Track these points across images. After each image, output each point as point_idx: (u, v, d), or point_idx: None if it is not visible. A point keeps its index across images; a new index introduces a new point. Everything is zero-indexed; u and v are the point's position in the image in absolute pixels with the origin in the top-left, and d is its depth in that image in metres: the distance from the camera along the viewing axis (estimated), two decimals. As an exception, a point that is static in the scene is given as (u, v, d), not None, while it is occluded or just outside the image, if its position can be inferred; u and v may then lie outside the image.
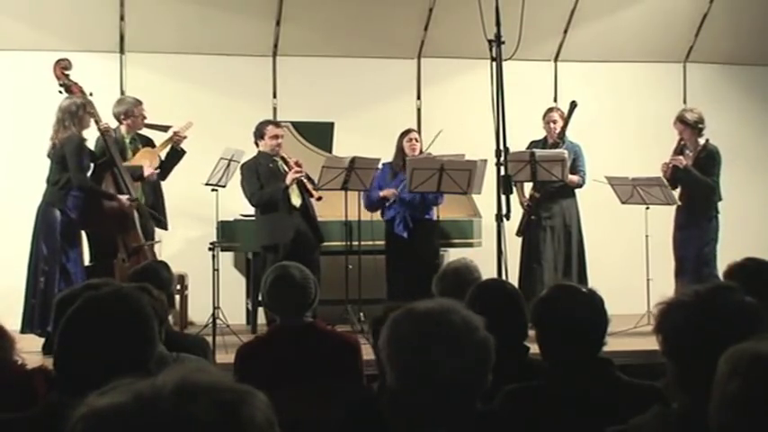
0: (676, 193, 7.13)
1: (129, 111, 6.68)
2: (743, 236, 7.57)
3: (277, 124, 6.95)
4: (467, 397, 1.90)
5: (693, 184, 6.97)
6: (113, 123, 6.69)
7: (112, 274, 6.05)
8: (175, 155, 6.80)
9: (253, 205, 6.93)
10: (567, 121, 7.05)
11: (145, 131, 6.86)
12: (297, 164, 6.74)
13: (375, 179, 7.00)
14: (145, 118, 6.74)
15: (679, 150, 7.06)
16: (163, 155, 6.82)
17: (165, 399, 1.08)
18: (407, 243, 6.87)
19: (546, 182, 6.86)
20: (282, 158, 6.82)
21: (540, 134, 7.27)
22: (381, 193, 6.94)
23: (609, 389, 2.60)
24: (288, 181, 6.70)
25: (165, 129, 6.83)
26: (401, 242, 6.89)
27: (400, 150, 7.03)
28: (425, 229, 6.94)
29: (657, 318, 1.97)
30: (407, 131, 7.14)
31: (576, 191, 7.16)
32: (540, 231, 7.00)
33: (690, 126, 6.96)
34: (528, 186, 7.13)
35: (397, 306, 2.88)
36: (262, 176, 6.79)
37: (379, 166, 6.91)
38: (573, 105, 7.01)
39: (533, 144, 7.10)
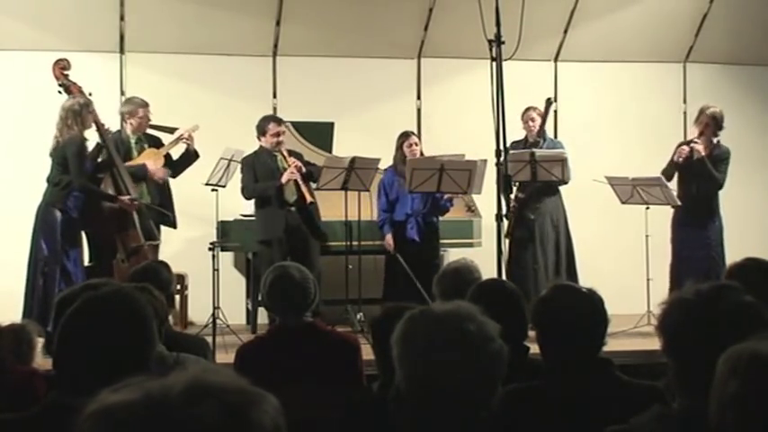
0: (674, 188, 7.11)
1: (134, 111, 6.73)
2: (743, 236, 7.55)
3: (279, 122, 6.95)
4: (472, 406, 1.88)
5: (705, 177, 6.93)
6: (117, 123, 6.72)
7: (112, 274, 6.06)
8: (188, 157, 6.84)
9: (245, 197, 7.01)
10: (544, 118, 7.06)
11: (153, 132, 6.90)
12: (295, 165, 6.75)
13: (381, 187, 7.02)
14: (149, 120, 6.78)
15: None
16: (175, 154, 6.84)
17: (173, 398, 1.09)
18: (414, 244, 6.87)
19: (529, 182, 6.85)
20: (282, 155, 6.83)
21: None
22: (387, 243, 6.94)
23: (609, 389, 2.60)
24: (283, 180, 6.72)
25: (171, 130, 6.86)
26: (408, 244, 6.88)
27: (401, 154, 6.99)
28: (430, 231, 6.96)
29: (659, 316, 1.97)
30: (407, 135, 7.08)
31: (569, 190, 7.14)
32: (526, 232, 6.98)
33: (716, 121, 6.96)
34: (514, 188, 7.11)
35: (398, 306, 2.88)
36: (258, 172, 6.84)
37: (380, 166, 6.91)
38: (548, 102, 7.03)
39: (515, 144, 7.05)
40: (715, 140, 7.03)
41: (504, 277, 5.55)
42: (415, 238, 6.89)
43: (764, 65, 8.86)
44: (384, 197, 7.02)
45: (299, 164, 6.79)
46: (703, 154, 6.93)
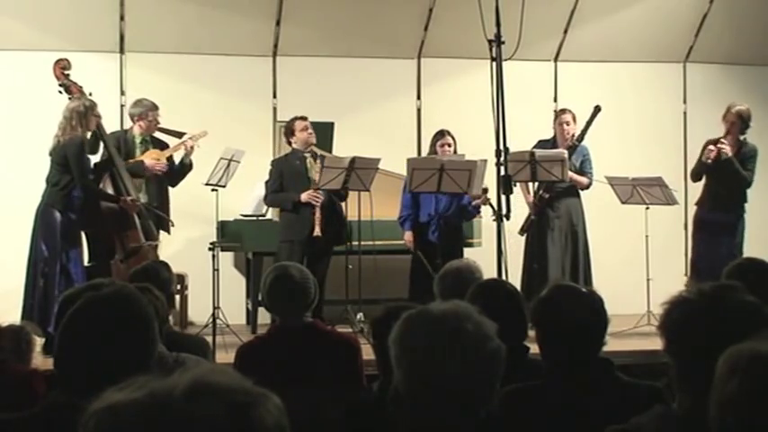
0: (699, 185, 7.10)
1: (144, 114, 6.76)
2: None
3: (303, 117, 6.96)
4: (471, 405, 1.88)
5: (732, 176, 6.92)
6: (118, 123, 6.73)
7: (111, 274, 6.06)
8: (182, 167, 6.84)
9: (265, 205, 7.11)
10: (588, 124, 7.03)
11: (160, 135, 6.91)
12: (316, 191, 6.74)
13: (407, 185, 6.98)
14: (158, 123, 6.79)
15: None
16: (177, 157, 6.85)
17: (176, 397, 1.10)
18: (435, 247, 6.81)
19: (554, 182, 6.85)
20: (313, 159, 6.80)
21: (541, 134, 7.27)
22: (407, 239, 6.90)
23: (609, 389, 2.60)
24: (302, 198, 6.74)
25: (179, 135, 6.87)
26: (429, 246, 6.83)
27: (434, 152, 6.94)
28: (452, 234, 6.90)
29: (661, 316, 1.97)
30: (441, 134, 6.99)
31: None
32: (548, 231, 6.98)
33: (742, 119, 6.94)
34: (532, 185, 7.10)
35: (398, 306, 2.89)
36: (286, 176, 6.86)
37: (380, 166, 6.89)
38: (597, 110, 7.00)
39: (541, 143, 7.06)
40: (742, 138, 7.03)
41: (505, 277, 5.54)
42: (436, 240, 6.83)
43: (764, 65, 8.86)
44: (409, 194, 6.97)
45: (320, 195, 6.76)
46: (730, 154, 6.92)
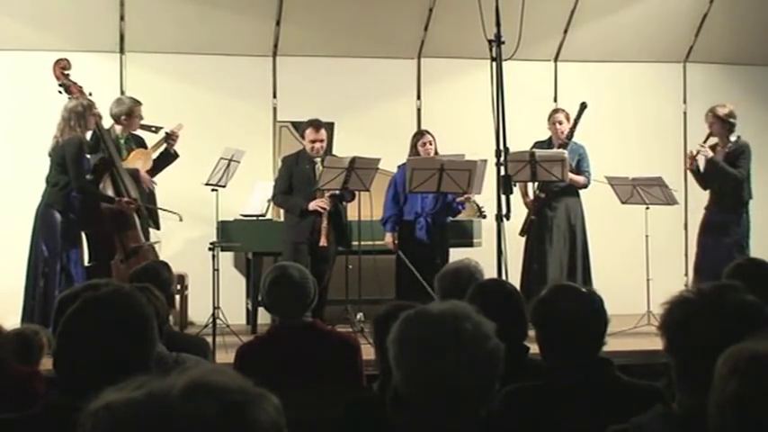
0: (706, 194, 7.12)
1: (131, 111, 6.68)
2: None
3: (317, 128, 6.86)
4: (470, 405, 1.88)
5: (721, 177, 6.93)
6: (108, 123, 6.70)
7: (111, 274, 6.06)
8: (168, 157, 6.82)
9: (274, 204, 7.12)
10: (576, 121, 7.04)
11: (138, 132, 6.87)
12: (329, 195, 6.73)
13: (392, 184, 6.98)
14: (142, 118, 6.76)
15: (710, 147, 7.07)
16: (155, 155, 6.83)
17: (173, 396, 1.10)
18: (422, 244, 6.85)
19: (551, 182, 6.86)
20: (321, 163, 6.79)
21: (541, 134, 7.27)
22: (387, 240, 6.91)
23: (609, 389, 2.60)
24: (310, 207, 6.72)
25: (156, 130, 6.84)
26: (416, 244, 6.86)
27: (415, 153, 6.98)
28: (439, 231, 6.93)
29: (661, 316, 1.97)
30: (421, 134, 7.05)
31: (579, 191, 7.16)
32: (546, 231, 6.99)
33: (720, 119, 6.95)
34: (532, 186, 7.11)
35: (400, 305, 2.88)
36: (295, 177, 6.84)
37: (379, 166, 6.89)
38: (583, 106, 7.01)
39: (538, 145, 7.07)
40: (733, 138, 7.03)
41: (505, 277, 5.54)
42: (424, 238, 6.86)
43: (764, 65, 8.86)
44: (392, 194, 6.96)
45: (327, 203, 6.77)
46: (710, 154, 6.93)
